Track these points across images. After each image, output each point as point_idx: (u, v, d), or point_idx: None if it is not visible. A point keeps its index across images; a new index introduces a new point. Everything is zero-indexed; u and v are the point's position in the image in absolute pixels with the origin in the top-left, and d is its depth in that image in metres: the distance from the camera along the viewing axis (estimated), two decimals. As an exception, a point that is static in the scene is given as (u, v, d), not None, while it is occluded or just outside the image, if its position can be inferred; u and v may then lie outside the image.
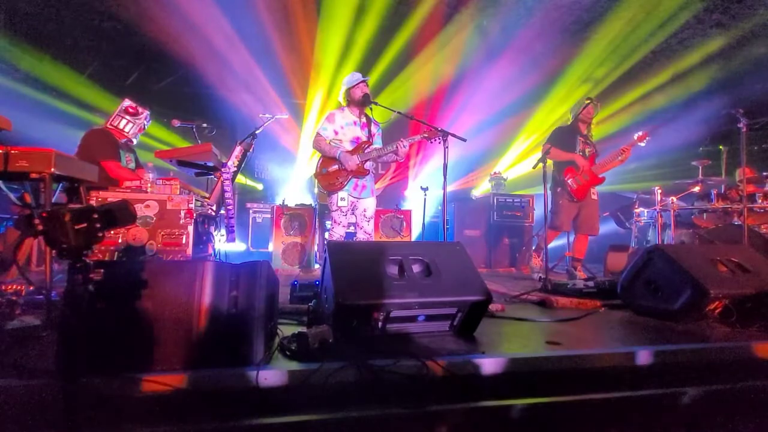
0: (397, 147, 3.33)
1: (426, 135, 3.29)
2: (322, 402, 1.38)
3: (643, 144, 4.05)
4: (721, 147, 5.45)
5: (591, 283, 3.07)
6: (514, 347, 1.87)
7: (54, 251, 1.15)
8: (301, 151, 7.28)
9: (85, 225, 1.13)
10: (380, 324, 1.80)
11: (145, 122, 3.59)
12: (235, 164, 3.19)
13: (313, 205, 5.08)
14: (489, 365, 1.55)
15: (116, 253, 2.81)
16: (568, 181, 4.14)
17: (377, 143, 3.58)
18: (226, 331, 1.43)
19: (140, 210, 2.89)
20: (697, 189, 4.95)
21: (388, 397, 1.41)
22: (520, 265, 5.49)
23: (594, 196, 4.22)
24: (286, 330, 1.78)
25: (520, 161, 7.67)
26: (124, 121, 3.45)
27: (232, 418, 1.31)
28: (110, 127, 3.44)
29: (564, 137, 4.24)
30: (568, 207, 4.18)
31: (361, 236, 3.59)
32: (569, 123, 4.36)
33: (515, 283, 3.92)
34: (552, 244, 4.28)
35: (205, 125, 3.96)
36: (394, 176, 7.59)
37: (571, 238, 4.43)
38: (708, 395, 1.66)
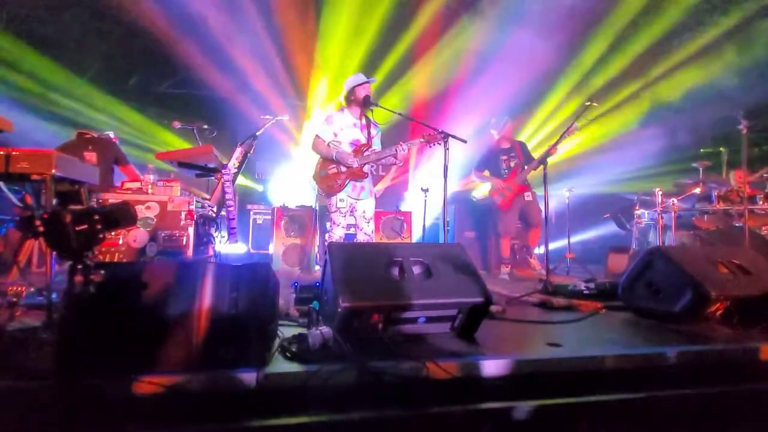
0: (396, 150, 3.34)
1: (424, 139, 3.27)
2: (323, 404, 1.38)
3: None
4: (721, 149, 5.44)
5: (592, 285, 3.06)
6: (515, 349, 1.86)
7: (55, 252, 1.15)
8: (302, 152, 7.28)
9: (85, 226, 1.14)
10: (381, 326, 1.80)
11: None
12: (236, 166, 3.19)
13: (313, 206, 5.07)
14: (490, 367, 1.54)
15: (116, 254, 2.82)
16: (494, 199, 4.67)
17: (376, 145, 3.58)
18: (226, 332, 1.43)
19: (141, 211, 2.89)
20: (697, 190, 4.95)
21: (388, 399, 1.41)
22: (522, 266, 5.48)
23: (528, 198, 4.64)
24: (287, 331, 1.78)
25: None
26: None
27: (232, 420, 1.31)
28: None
29: (487, 161, 4.77)
30: (504, 216, 4.66)
31: (361, 238, 3.59)
32: (494, 141, 4.80)
33: (516, 285, 3.91)
34: (553, 246, 4.30)
35: (205, 127, 3.97)
36: (395, 178, 7.59)
37: (572, 240, 4.47)
38: (709, 397, 1.65)
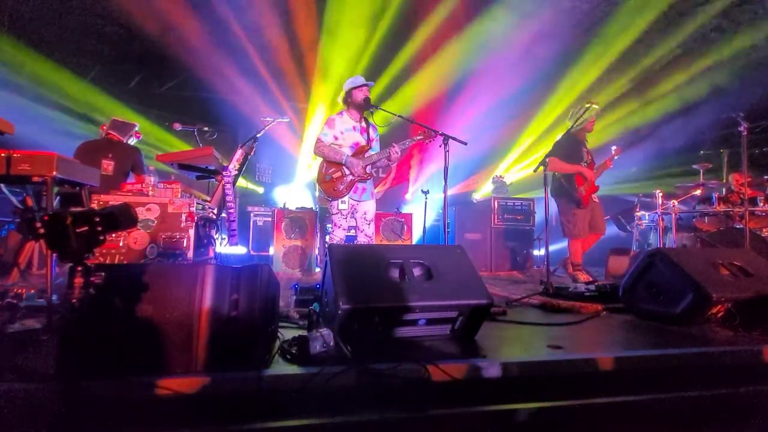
0: (389, 153, 3.36)
1: (421, 137, 3.32)
2: (323, 406, 1.38)
3: (616, 157, 4.37)
4: (722, 150, 5.45)
5: (592, 287, 3.06)
6: (516, 351, 1.86)
7: (55, 254, 1.15)
8: (303, 154, 7.29)
9: (86, 228, 1.13)
10: (381, 327, 1.80)
11: None
12: (237, 167, 3.20)
13: (314, 208, 5.08)
14: (490, 369, 1.54)
15: (117, 256, 2.82)
16: (581, 189, 4.11)
17: (375, 148, 3.58)
18: (226, 334, 1.43)
19: (141, 213, 2.89)
20: (698, 192, 4.95)
21: (388, 401, 1.41)
22: (528, 267, 5.49)
23: (596, 200, 4.37)
24: (287, 333, 1.78)
25: (521, 165, 7.68)
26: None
27: (232, 422, 1.31)
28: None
29: (570, 148, 4.16)
30: (582, 214, 4.17)
31: (362, 239, 3.58)
32: (571, 131, 4.05)
33: (517, 287, 3.91)
34: (553, 248, 4.29)
35: (206, 129, 3.98)
36: (395, 179, 7.60)
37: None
38: (711, 399, 1.65)
